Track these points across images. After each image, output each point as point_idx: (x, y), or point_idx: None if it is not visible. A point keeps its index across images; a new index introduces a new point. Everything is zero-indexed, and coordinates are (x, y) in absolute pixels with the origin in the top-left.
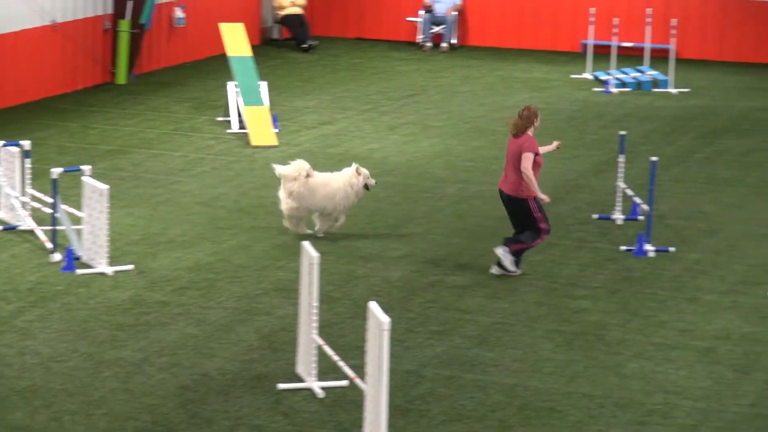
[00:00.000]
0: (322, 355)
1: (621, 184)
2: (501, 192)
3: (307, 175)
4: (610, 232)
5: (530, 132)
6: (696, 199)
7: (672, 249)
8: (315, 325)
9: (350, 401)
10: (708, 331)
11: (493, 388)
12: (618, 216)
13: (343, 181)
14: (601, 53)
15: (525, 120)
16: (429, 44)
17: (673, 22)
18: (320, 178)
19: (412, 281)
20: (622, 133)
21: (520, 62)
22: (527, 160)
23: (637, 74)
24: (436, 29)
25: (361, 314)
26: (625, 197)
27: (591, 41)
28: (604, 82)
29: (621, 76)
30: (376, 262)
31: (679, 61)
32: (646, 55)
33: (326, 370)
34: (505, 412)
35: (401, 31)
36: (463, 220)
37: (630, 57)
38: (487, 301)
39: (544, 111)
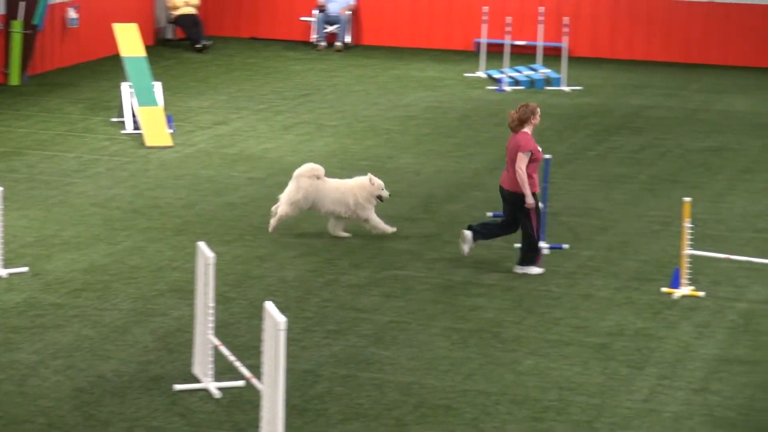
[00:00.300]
0: (218, 355)
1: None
2: (501, 188)
3: (318, 177)
4: None
5: (528, 129)
6: (589, 196)
7: (566, 246)
8: (211, 325)
9: (247, 401)
10: (602, 328)
11: (389, 386)
12: None
13: (353, 188)
14: (495, 52)
15: (522, 116)
16: (323, 44)
17: (566, 20)
18: (332, 183)
19: (308, 281)
20: None
21: (414, 61)
22: (521, 161)
23: (530, 72)
24: (329, 29)
25: (257, 314)
26: None
27: (484, 40)
28: (498, 81)
29: (514, 74)
30: (272, 262)
31: (572, 59)
32: (539, 53)
33: (223, 370)
34: (401, 410)
35: (295, 31)
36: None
37: (523, 55)
38: (383, 299)
39: (437, 110)
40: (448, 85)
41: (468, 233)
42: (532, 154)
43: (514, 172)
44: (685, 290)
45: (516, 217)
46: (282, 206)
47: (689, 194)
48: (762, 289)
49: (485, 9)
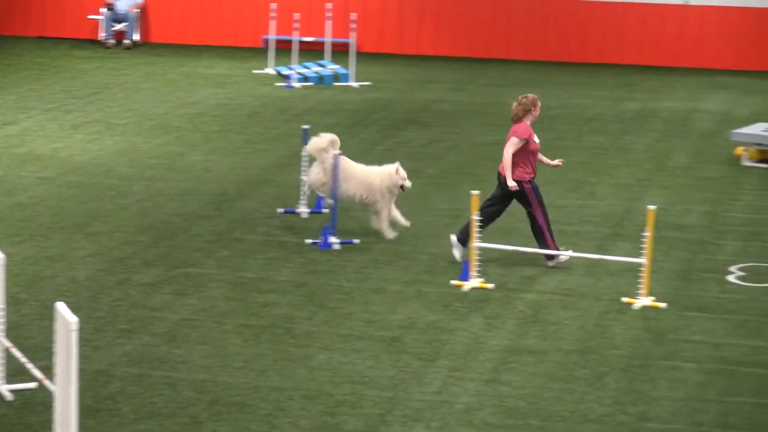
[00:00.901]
0: (9, 357)
1: (305, 178)
2: (498, 175)
3: (334, 145)
4: (295, 225)
5: (528, 120)
6: None
7: (357, 241)
8: (2, 327)
9: (40, 403)
10: (393, 321)
11: (183, 384)
12: (303, 210)
13: (381, 174)
14: (283, 48)
15: (522, 107)
16: (111, 41)
17: (353, 16)
18: (359, 167)
19: (100, 280)
20: (305, 127)
21: (203, 58)
22: (511, 145)
23: (319, 68)
24: (118, 26)
25: (49, 315)
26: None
27: (272, 36)
28: (286, 77)
29: (303, 70)
30: (63, 262)
31: (360, 54)
32: (327, 49)
33: (14, 372)
34: (195, 408)
35: (84, 29)
36: (149, 218)
37: (311, 51)
38: (175, 297)
39: (226, 107)
40: (237, 81)
41: (454, 237)
42: (527, 143)
43: (514, 163)
44: (474, 282)
45: (501, 200)
46: (311, 185)
47: (477, 187)
48: (549, 279)
49: (273, 6)
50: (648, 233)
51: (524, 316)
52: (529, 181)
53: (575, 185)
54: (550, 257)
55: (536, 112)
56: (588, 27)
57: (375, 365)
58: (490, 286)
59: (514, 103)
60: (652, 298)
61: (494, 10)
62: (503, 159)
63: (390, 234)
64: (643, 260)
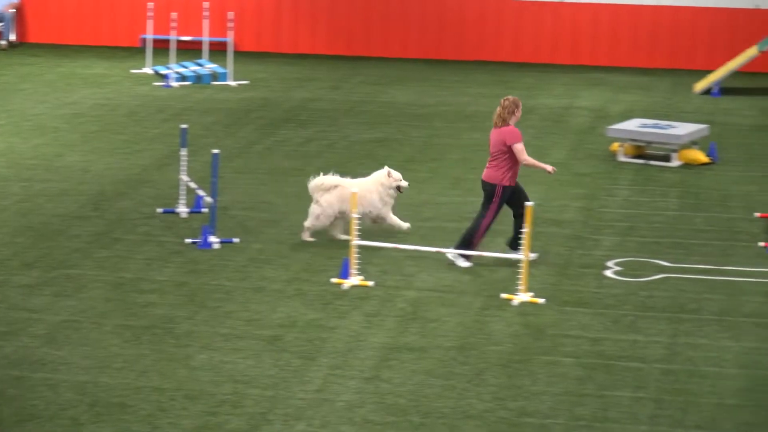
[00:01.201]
0: None
1: (184, 178)
2: (482, 181)
3: (328, 189)
4: (175, 225)
5: (512, 122)
6: (258, 190)
7: (236, 240)
8: None
9: None
10: (274, 320)
11: (63, 386)
12: (182, 209)
13: (372, 183)
14: (161, 48)
15: (506, 110)
16: None
17: (230, 15)
18: (349, 184)
19: None
20: (184, 126)
21: (81, 58)
22: (521, 153)
23: (197, 68)
24: None
25: None
26: (189, 190)
27: (150, 36)
28: (164, 77)
29: (181, 69)
30: None
31: (238, 53)
32: (205, 48)
33: None
34: (76, 409)
35: None
36: (28, 219)
37: (189, 51)
38: (55, 299)
39: (104, 107)
40: (115, 81)
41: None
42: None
43: (492, 164)
44: (354, 280)
45: (487, 204)
46: (311, 220)
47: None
48: (428, 277)
49: (150, 5)
50: (526, 229)
51: (404, 314)
52: (504, 188)
53: (454, 182)
54: (467, 257)
55: (519, 114)
56: (465, 25)
57: (256, 364)
58: (370, 283)
59: (498, 108)
60: (531, 293)
61: (371, 8)
62: (526, 165)
63: (406, 224)
64: (521, 256)
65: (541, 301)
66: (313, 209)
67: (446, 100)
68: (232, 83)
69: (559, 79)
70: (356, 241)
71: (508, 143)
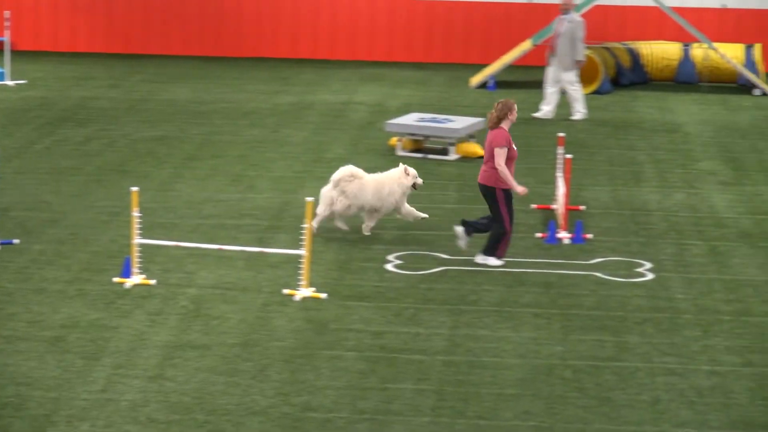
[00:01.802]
0: None
1: (323, 210)
2: (479, 184)
3: (354, 177)
4: None
5: (506, 125)
6: (38, 190)
7: (17, 241)
8: None
9: None
10: (56, 321)
11: None
12: None
13: (392, 180)
14: None
15: (499, 113)
16: None
17: (7, 14)
18: (371, 178)
19: None
20: None
21: None
22: (499, 156)
23: None
24: None
25: None
26: None
27: None
28: None
29: None
30: None
31: (15, 53)
32: None
33: None
34: None
35: None
36: None
37: None
38: None
39: None
40: None
41: (459, 229)
42: (507, 150)
43: (486, 166)
44: (136, 279)
45: (491, 211)
46: (323, 207)
47: (137, 184)
48: (209, 274)
49: None
50: (307, 225)
51: (187, 311)
52: (503, 191)
53: (234, 179)
54: (487, 252)
55: (512, 117)
56: (243, 21)
57: (39, 366)
58: (153, 282)
59: (492, 111)
60: (313, 288)
61: (149, 6)
62: (499, 171)
63: (421, 213)
64: (302, 252)
65: (323, 296)
66: (338, 199)
67: (226, 97)
68: (10, 83)
69: (337, 75)
70: (137, 240)
71: (493, 145)
